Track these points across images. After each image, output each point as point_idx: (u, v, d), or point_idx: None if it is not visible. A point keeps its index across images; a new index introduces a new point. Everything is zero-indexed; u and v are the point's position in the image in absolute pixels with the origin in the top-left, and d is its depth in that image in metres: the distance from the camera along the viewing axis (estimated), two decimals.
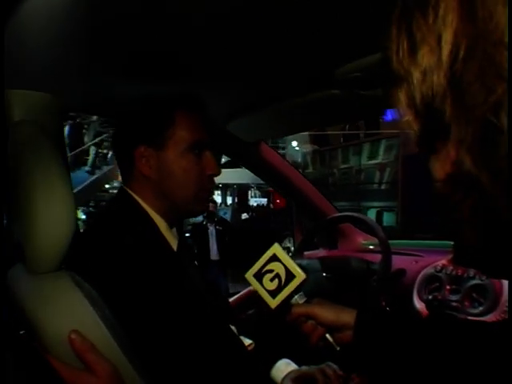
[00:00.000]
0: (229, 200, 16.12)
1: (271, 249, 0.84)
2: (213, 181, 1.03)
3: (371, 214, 7.08)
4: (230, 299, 1.58)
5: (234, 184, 11.81)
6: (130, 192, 1.00)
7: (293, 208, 1.96)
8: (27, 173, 0.73)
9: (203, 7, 0.70)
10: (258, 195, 12.08)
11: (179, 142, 0.97)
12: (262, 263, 0.84)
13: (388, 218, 6.88)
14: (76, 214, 0.76)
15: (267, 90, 1.16)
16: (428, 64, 0.32)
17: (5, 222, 0.81)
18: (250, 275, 0.85)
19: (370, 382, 0.89)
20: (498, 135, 0.29)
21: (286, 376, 0.97)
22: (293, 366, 1.02)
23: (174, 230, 1.04)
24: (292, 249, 1.82)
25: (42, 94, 0.98)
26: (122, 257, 0.87)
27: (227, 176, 11.72)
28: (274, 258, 0.83)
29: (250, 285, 0.87)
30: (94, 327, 0.71)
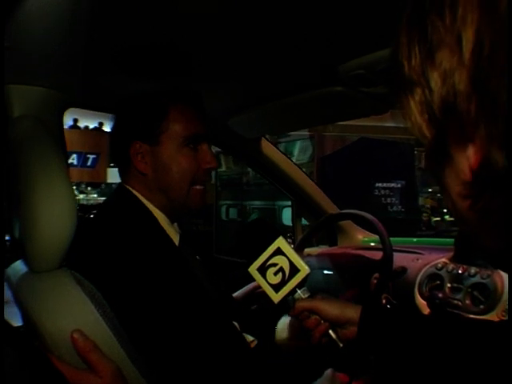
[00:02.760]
0: None
1: (276, 242, 0.83)
2: (209, 174, 1.02)
3: (287, 214, 7.19)
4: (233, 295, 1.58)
5: None
6: (129, 188, 0.99)
7: (293, 205, 1.95)
8: (27, 169, 0.72)
9: (206, 4, 0.69)
10: None
11: (173, 136, 0.97)
12: (266, 257, 0.83)
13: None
14: (76, 210, 0.75)
15: (269, 87, 1.16)
16: (448, 66, 0.31)
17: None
18: (253, 269, 0.83)
19: (373, 380, 0.89)
20: None
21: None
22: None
23: (176, 225, 1.04)
24: (292, 246, 1.81)
25: (42, 90, 0.97)
26: (124, 253, 0.86)
27: None
28: (279, 252, 0.82)
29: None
30: (95, 325, 0.70)
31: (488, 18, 0.29)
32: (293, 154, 7.23)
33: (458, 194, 0.34)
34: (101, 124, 8.06)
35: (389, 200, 7.47)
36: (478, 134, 0.31)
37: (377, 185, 7.34)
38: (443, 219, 11.49)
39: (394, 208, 7.34)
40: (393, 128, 7.58)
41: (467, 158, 0.32)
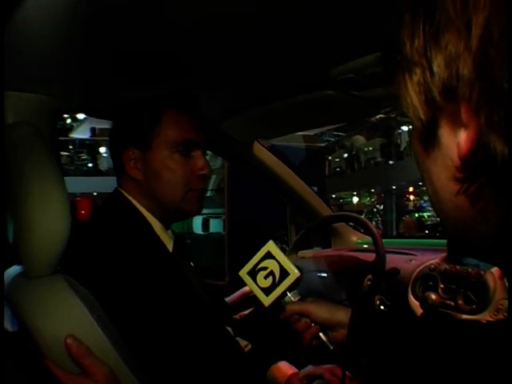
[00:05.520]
0: None
1: (266, 246, 0.84)
2: (202, 181, 1.01)
3: (197, 222, 7.14)
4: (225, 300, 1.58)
5: None
6: (124, 193, 0.99)
7: (287, 208, 1.96)
8: (22, 175, 0.72)
9: (201, 9, 0.70)
10: None
11: (165, 142, 0.97)
12: (256, 260, 0.84)
13: (215, 225, 6.93)
14: (70, 216, 0.76)
15: (262, 90, 1.17)
16: (454, 49, 0.31)
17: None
18: (243, 273, 0.84)
19: (364, 382, 0.90)
20: None
21: (293, 376, 0.97)
22: (293, 369, 1.02)
23: (170, 231, 1.04)
24: (286, 248, 1.82)
25: (36, 96, 0.97)
26: (117, 259, 0.87)
27: None
28: (269, 256, 0.83)
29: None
30: (89, 330, 0.70)
31: (499, 5, 0.29)
32: None
33: (447, 177, 0.35)
34: None
35: None
36: (477, 120, 0.31)
37: None
38: None
39: None
40: (300, 136, 7.60)
41: (458, 144, 0.32)
